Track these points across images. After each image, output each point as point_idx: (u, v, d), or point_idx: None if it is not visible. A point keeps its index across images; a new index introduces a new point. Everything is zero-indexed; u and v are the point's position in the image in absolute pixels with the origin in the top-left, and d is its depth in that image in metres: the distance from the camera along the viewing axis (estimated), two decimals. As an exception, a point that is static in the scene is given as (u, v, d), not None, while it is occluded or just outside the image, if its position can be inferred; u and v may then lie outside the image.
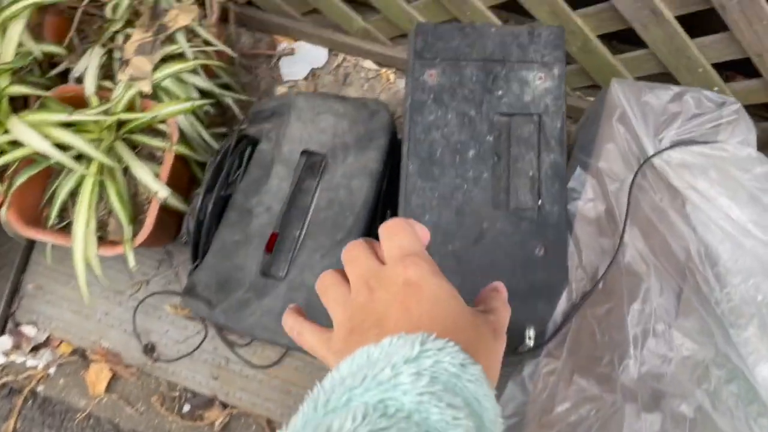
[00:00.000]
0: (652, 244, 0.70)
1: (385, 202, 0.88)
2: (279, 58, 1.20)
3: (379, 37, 1.13)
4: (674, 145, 0.70)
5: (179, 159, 0.94)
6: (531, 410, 0.66)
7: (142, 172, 0.90)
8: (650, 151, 0.71)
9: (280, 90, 1.18)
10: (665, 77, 0.91)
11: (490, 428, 0.34)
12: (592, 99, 1.05)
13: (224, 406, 1.06)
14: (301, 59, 1.20)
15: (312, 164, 0.86)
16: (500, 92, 0.75)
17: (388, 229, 0.42)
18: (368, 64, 1.20)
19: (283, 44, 1.21)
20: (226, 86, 1.05)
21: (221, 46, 0.99)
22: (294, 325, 0.44)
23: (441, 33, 0.74)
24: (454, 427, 0.31)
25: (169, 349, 1.09)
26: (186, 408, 1.07)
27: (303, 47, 1.21)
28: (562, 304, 0.70)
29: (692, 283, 0.67)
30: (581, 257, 0.71)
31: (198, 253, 0.87)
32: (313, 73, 1.19)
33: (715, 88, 0.86)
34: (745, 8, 0.73)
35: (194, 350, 1.07)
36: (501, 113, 0.75)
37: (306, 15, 1.17)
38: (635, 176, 0.71)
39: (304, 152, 0.84)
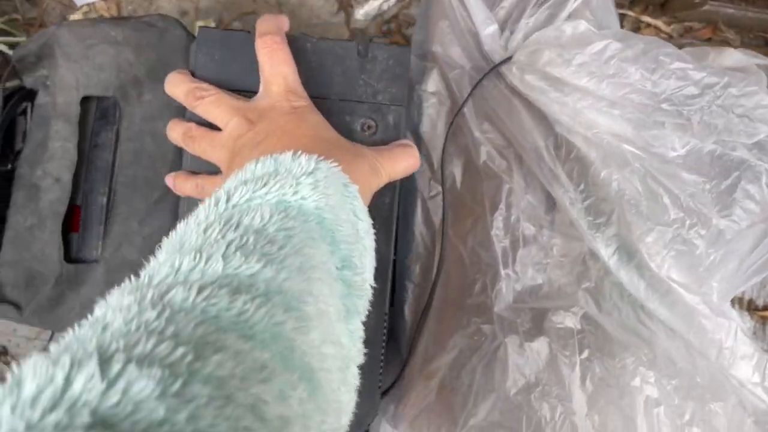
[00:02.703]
0: (508, 137, 0.58)
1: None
2: (65, -21, 0.97)
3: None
4: (510, 54, 0.57)
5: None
6: (413, 363, 0.56)
7: None
8: (486, 41, 0.57)
9: (75, 19, 0.96)
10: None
11: (363, 237, 0.39)
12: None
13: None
14: (94, -25, 0.97)
15: (103, 112, 0.69)
16: None
17: (272, 53, 0.45)
18: (180, -36, 0.98)
19: (67, -40, 0.98)
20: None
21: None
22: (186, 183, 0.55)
23: (231, 42, 0.53)
24: (341, 227, 0.36)
25: (22, 349, 0.94)
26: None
27: (93, -41, 0.98)
28: (421, 235, 0.59)
29: (550, 182, 0.57)
30: (431, 162, 0.59)
31: (-7, 247, 0.70)
32: (113, -10, 0.97)
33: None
34: None
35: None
36: None
37: None
38: (475, 87, 0.57)
39: (85, 99, 0.66)
